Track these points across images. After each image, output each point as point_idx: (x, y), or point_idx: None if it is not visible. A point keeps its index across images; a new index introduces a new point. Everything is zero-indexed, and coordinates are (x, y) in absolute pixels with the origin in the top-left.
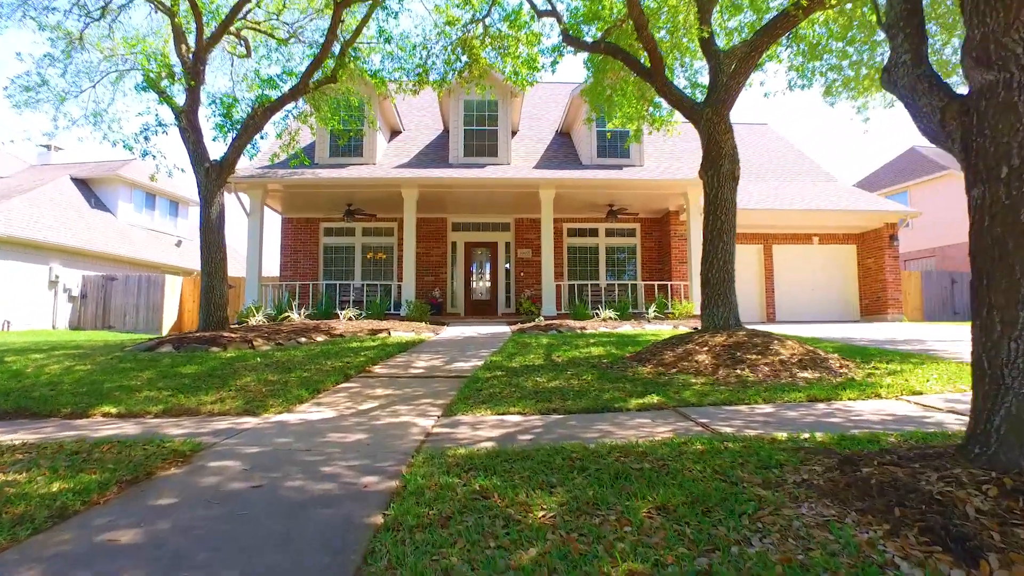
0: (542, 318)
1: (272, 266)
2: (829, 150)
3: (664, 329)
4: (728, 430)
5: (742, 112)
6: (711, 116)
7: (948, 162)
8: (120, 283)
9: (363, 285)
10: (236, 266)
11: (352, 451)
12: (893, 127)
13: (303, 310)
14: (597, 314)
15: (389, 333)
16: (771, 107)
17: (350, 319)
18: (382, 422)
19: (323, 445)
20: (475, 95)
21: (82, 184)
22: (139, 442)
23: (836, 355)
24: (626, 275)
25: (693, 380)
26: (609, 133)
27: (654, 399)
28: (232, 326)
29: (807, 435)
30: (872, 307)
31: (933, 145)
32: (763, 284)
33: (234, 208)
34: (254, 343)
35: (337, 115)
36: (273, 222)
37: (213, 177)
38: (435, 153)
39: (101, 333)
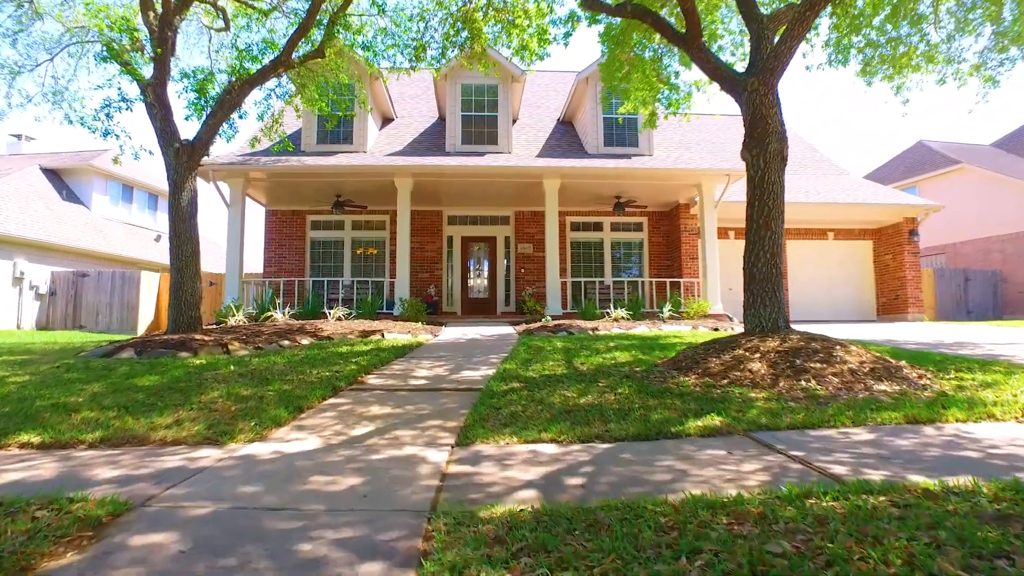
0: (548, 318)
1: (256, 262)
2: (831, 145)
3: (683, 330)
4: (840, 470)
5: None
6: (757, 87)
7: (959, 155)
8: (92, 280)
9: (353, 282)
10: (217, 262)
11: (343, 508)
12: (903, 118)
13: (288, 309)
14: (607, 313)
15: (383, 335)
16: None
17: (339, 319)
18: (381, 456)
19: (303, 497)
20: (474, 79)
21: (53, 175)
22: (35, 500)
23: (904, 362)
24: (632, 272)
25: (752, 394)
26: (621, 118)
27: (716, 420)
28: (208, 327)
29: (965, 480)
30: (890, 306)
31: (941, 138)
32: None
33: (214, 199)
34: (229, 347)
35: (325, 96)
36: (257, 215)
37: (184, 159)
38: (430, 141)
39: (69, 334)
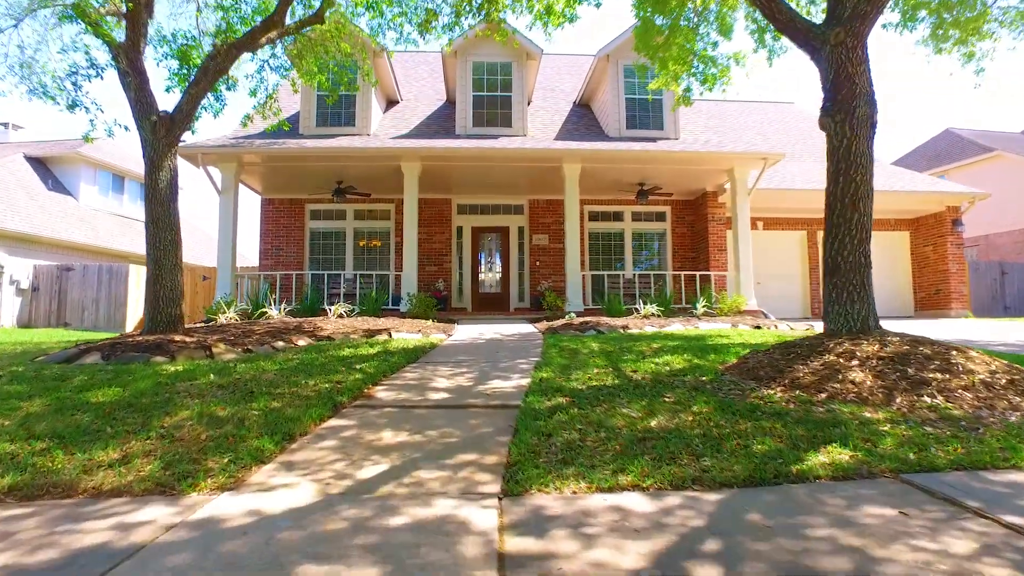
0: (572, 314)
1: (252, 254)
2: None
3: (723, 328)
4: None
5: (760, 89)
6: (842, 39)
7: (993, 143)
8: (77, 274)
9: (356, 276)
10: (211, 255)
11: None
12: (926, 108)
13: (284, 305)
14: (636, 309)
15: (390, 335)
16: (778, 85)
17: (340, 316)
18: (402, 520)
19: None
20: (486, 56)
21: (38, 163)
22: None
23: None
24: (654, 264)
25: (867, 414)
26: (650, 96)
27: (843, 455)
28: (194, 325)
29: None
30: (930, 301)
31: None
32: (807, 275)
33: (206, 186)
34: (214, 350)
35: (325, 69)
36: (252, 204)
37: (161, 134)
38: (439, 124)
39: (50, 332)
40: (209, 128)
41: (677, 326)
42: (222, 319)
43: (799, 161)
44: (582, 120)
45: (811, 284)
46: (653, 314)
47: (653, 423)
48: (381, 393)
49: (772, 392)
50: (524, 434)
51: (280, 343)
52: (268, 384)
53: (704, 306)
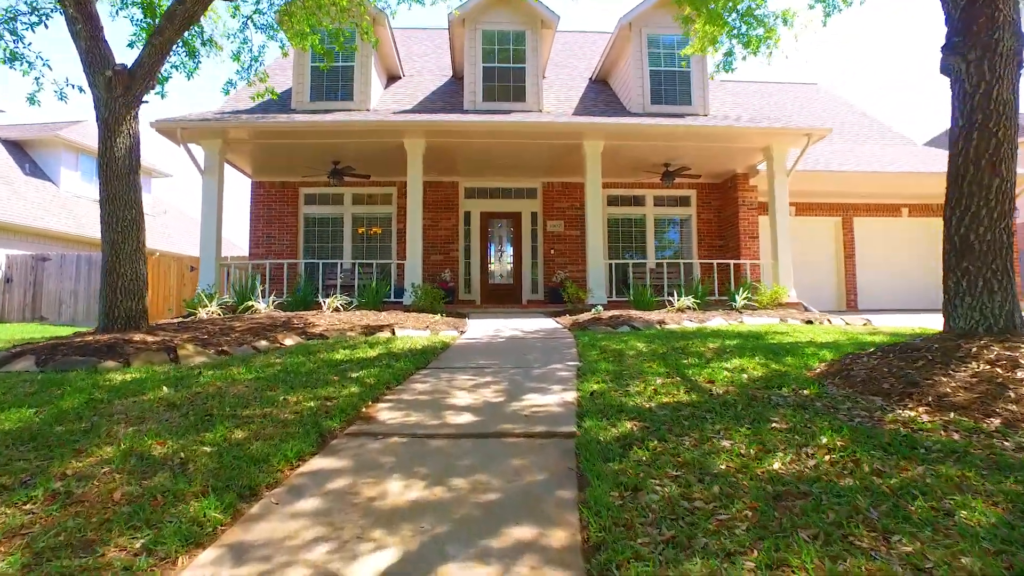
0: (599, 308)
1: (242, 241)
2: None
3: (773, 323)
4: None
5: (784, 71)
6: None
7: None
8: (54, 264)
9: (354, 266)
10: (196, 244)
11: None
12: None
13: (273, 297)
14: (669, 302)
15: (393, 332)
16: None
17: (336, 310)
18: None
19: None
20: (497, 24)
21: (15, 147)
22: None
23: None
24: (678, 252)
25: None
26: (683, 62)
27: None
28: (169, 321)
29: None
30: None
31: None
32: (842, 264)
33: (189, 168)
34: (179, 352)
35: (318, 30)
36: (241, 187)
37: (119, 92)
38: (445, 101)
39: (22, 328)
40: (191, 105)
41: (718, 321)
42: (202, 313)
43: (829, 142)
44: (600, 96)
45: (845, 274)
46: (688, 307)
47: (777, 465)
48: (384, 413)
49: (914, 414)
50: (598, 487)
51: (263, 342)
52: (235, 402)
53: (744, 298)
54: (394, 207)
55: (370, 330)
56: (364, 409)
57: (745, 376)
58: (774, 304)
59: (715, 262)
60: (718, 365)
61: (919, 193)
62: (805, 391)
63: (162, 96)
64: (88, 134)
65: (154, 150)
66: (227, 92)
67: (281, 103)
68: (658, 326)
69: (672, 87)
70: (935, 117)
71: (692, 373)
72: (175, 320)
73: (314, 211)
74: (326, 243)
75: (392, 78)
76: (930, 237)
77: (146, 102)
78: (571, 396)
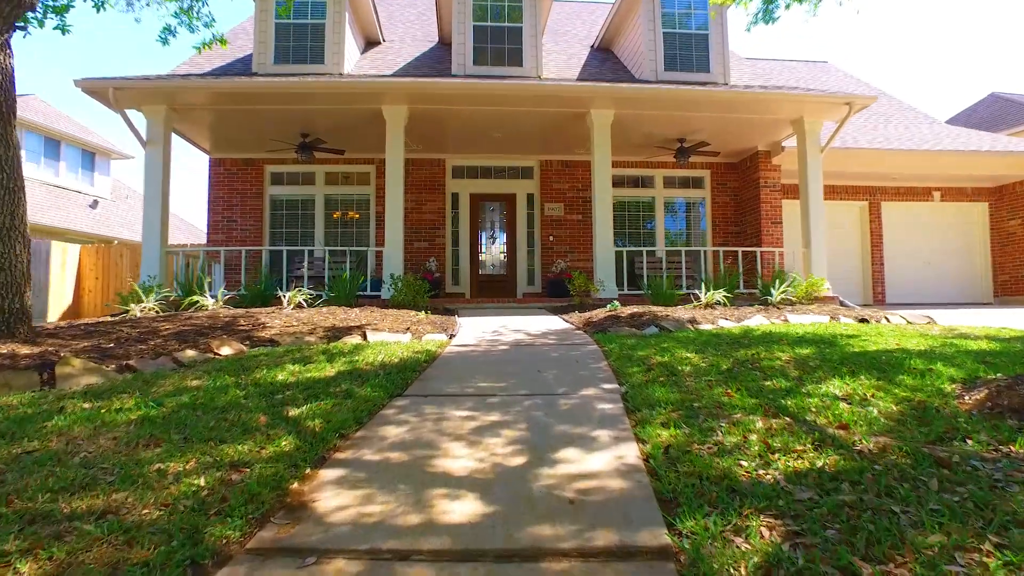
0: (615, 303)
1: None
2: None
3: (824, 321)
4: None
5: (792, 47)
6: None
7: None
8: None
9: (326, 254)
10: (178, 233)
11: None
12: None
13: (223, 291)
14: (694, 295)
15: (364, 336)
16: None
17: (299, 306)
18: None
19: None
20: None
21: None
22: None
23: None
24: (687, 239)
25: None
26: (712, 11)
27: None
28: (85, 322)
29: None
30: (1015, 286)
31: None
32: (868, 254)
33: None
34: (60, 370)
35: None
36: (198, 164)
37: None
38: (430, 67)
39: None
40: (124, 56)
41: (759, 319)
42: (137, 311)
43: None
44: (605, 64)
45: (872, 263)
46: (718, 302)
47: None
48: (327, 495)
49: None
50: None
51: (191, 352)
52: (71, 478)
53: (782, 292)
54: (372, 188)
55: (335, 334)
56: (295, 485)
57: (875, 412)
58: (809, 298)
59: (739, 250)
60: (819, 391)
61: (953, 175)
62: (1003, 446)
63: (63, 31)
64: (34, 108)
65: (114, 129)
66: (164, 42)
67: (241, 67)
68: (690, 326)
69: (688, 52)
70: (943, 95)
71: (794, 406)
72: (94, 321)
73: (282, 192)
74: (295, 228)
75: (371, 43)
76: (965, 224)
77: (21, 27)
78: (631, 452)
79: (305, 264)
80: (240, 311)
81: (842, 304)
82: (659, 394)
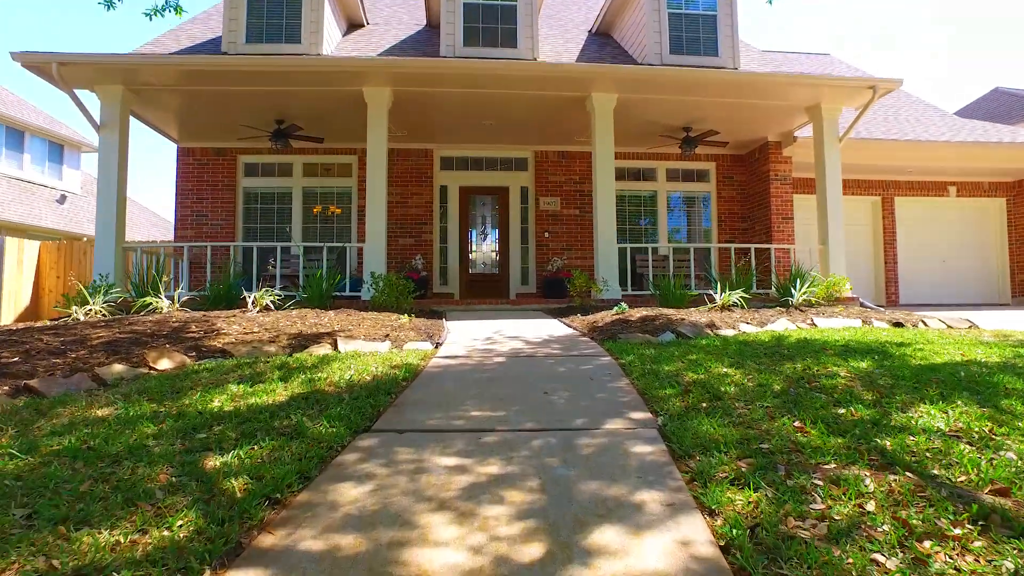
0: (623, 306)
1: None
2: None
3: (855, 326)
4: None
5: (795, 40)
6: None
7: None
8: None
9: (302, 250)
10: (152, 230)
11: None
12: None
13: (182, 292)
14: (708, 296)
15: (335, 345)
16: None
17: (266, 309)
18: None
19: None
20: None
21: None
22: None
23: None
24: (689, 236)
25: None
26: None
27: None
28: (23, 326)
29: None
30: None
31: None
32: (881, 252)
33: (137, 139)
34: None
35: None
36: (166, 154)
37: None
38: (417, 50)
39: None
40: (75, 31)
41: (784, 323)
42: (80, 314)
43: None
44: (604, 50)
45: (884, 262)
46: (734, 304)
47: None
48: None
49: None
50: None
51: (119, 367)
52: None
53: (804, 293)
54: (354, 180)
55: (301, 342)
56: None
57: (1019, 460)
58: (830, 299)
59: (752, 247)
60: (916, 423)
61: (970, 169)
62: None
63: None
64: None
65: (84, 122)
66: (109, 5)
67: (211, 49)
68: (710, 332)
69: (695, 35)
70: (943, 93)
71: (899, 450)
72: (22, 326)
73: (256, 184)
74: (271, 223)
75: (353, 26)
76: (981, 220)
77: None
78: (699, 532)
79: (278, 262)
80: (198, 314)
81: (863, 305)
82: (709, 428)
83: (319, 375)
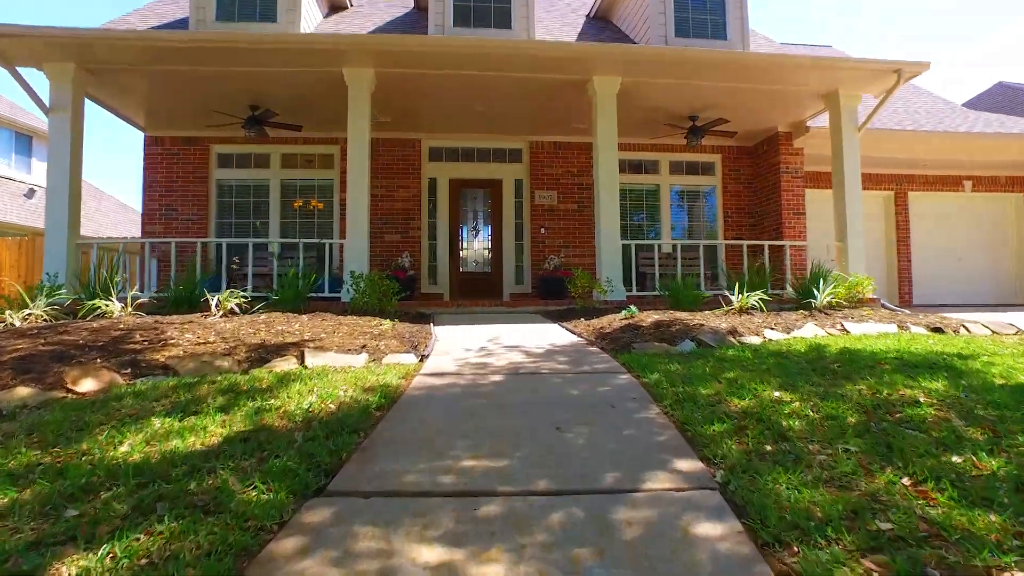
0: (633, 309)
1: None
2: None
3: (890, 331)
4: None
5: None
6: None
7: None
8: None
9: (276, 247)
10: (125, 226)
11: None
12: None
13: (136, 292)
14: (724, 298)
15: (302, 358)
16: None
17: (230, 312)
18: None
19: None
20: None
21: None
22: None
23: None
24: (691, 232)
25: None
26: None
27: None
28: None
29: None
30: None
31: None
32: (894, 249)
33: (107, 130)
34: None
35: None
36: (131, 143)
37: None
38: (404, 30)
39: None
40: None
41: (811, 329)
42: (17, 319)
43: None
44: (604, 34)
45: (898, 260)
46: (752, 307)
47: None
48: None
49: None
50: None
51: (24, 390)
52: None
53: (828, 295)
54: (337, 172)
55: (262, 355)
56: None
57: None
58: (852, 301)
59: (766, 243)
60: None
61: (986, 162)
62: None
63: None
64: None
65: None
66: None
67: (178, 27)
68: (733, 339)
69: (702, 16)
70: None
71: None
72: None
73: (231, 176)
74: (247, 219)
75: (336, 8)
76: (998, 216)
77: None
78: None
79: (250, 260)
80: (149, 320)
81: (885, 307)
82: (792, 491)
83: (271, 402)
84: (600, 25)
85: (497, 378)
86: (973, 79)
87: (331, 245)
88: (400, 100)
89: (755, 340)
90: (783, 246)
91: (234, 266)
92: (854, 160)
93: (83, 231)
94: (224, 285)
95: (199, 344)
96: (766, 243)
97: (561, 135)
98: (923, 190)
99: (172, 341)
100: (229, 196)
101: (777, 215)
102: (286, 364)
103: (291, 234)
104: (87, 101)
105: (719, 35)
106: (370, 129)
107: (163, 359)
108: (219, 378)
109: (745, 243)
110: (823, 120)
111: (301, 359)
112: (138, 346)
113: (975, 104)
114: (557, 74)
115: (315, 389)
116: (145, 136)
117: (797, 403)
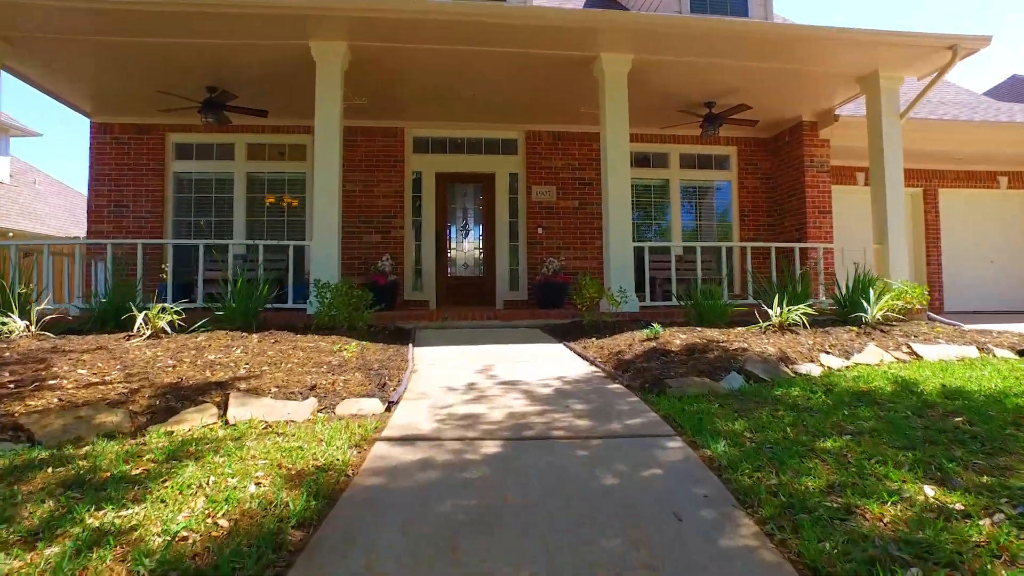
0: (657, 328)
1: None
2: None
3: (966, 355)
4: None
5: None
6: None
7: None
8: None
9: (247, 250)
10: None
11: None
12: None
13: (46, 306)
14: (760, 311)
15: (224, 408)
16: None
17: (160, 332)
18: None
19: None
20: None
21: None
22: None
23: None
24: (702, 232)
25: None
26: None
27: None
28: None
29: None
30: None
31: None
32: (923, 251)
33: (70, 125)
34: None
35: None
36: (78, 133)
37: None
38: None
39: None
40: None
41: (875, 352)
42: None
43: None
44: (611, 8)
45: (927, 263)
46: (794, 322)
47: None
48: None
49: None
50: None
51: None
52: None
53: (882, 308)
54: (309, 164)
55: (170, 402)
56: None
57: None
58: (900, 311)
59: (796, 246)
60: None
61: (1015, 155)
62: None
63: None
64: None
65: (13, 100)
66: None
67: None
68: (786, 368)
69: None
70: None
71: None
72: None
73: (190, 169)
74: (208, 216)
75: None
76: (1014, 217)
77: None
78: None
79: (200, 264)
80: (47, 344)
81: (933, 319)
82: None
83: (124, 518)
84: (606, 5)
85: (491, 449)
86: (973, 78)
87: (299, 248)
88: (379, 81)
89: (813, 369)
90: (815, 248)
91: (201, 273)
92: (895, 152)
93: (22, 227)
94: (170, 296)
95: (89, 386)
96: (796, 245)
97: (561, 124)
98: (955, 186)
99: (52, 381)
100: (188, 191)
101: (801, 214)
102: (198, 418)
103: (259, 234)
104: (8, 76)
105: (740, 10)
106: (343, 114)
107: (21, 412)
108: (82, 451)
109: (773, 245)
110: (849, 108)
111: (223, 409)
112: (12, 385)
113: (992, 96)
114: (558, 49)
115: (212, 480)
116: (91, 123)
117: (973, 513)
